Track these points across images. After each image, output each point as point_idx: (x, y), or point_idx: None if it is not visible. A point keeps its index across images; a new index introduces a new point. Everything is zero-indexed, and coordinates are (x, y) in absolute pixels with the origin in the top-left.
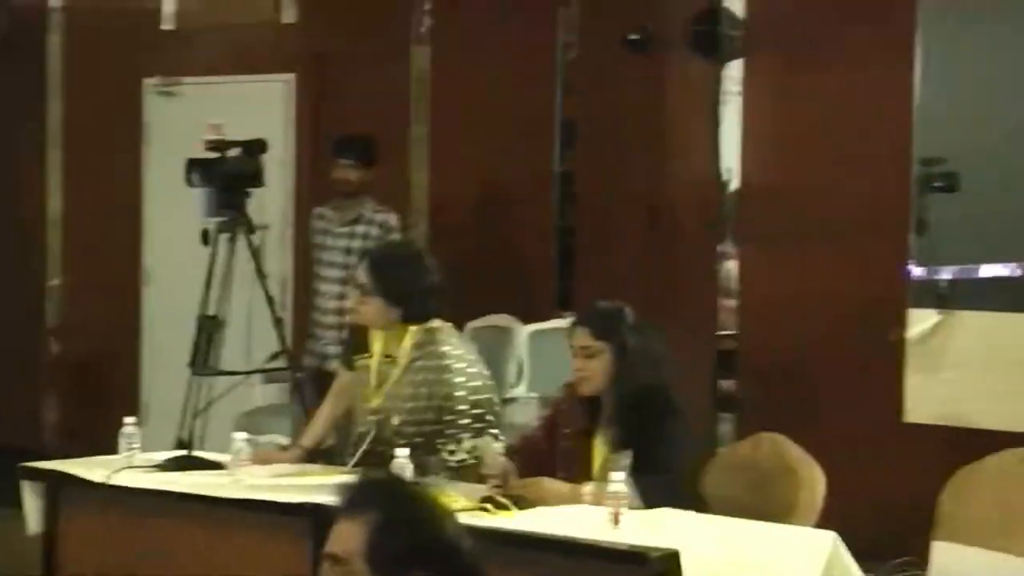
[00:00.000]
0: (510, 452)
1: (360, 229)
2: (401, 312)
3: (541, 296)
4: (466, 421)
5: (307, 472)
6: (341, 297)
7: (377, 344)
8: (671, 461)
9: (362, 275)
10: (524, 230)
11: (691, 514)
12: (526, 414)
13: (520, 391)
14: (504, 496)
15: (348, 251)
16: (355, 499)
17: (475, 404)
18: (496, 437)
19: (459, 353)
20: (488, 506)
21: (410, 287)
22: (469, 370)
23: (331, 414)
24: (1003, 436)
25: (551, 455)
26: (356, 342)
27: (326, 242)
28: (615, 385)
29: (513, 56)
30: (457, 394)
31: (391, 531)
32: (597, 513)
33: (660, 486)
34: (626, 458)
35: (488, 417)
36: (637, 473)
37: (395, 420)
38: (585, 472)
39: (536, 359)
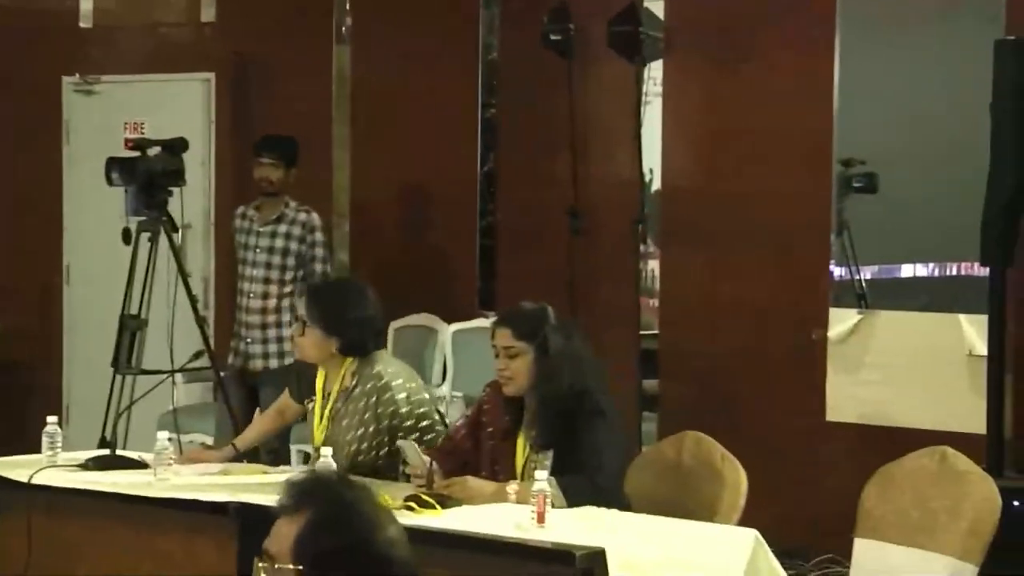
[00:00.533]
0: (434, 451)
1: (282, 228)
2: (339, 343)
3: (464, 295)
4: (416, 435)
5: (232, 471)
6: (265, 296)
7: (319, 382)
8: (595, 461)
9: (301, 307)
10: (446, 230)
11: (616, 512)
12: (450, 413)
13: (444, 390)
14: (429, 495)
15: (271, 250)
16: (295, 497)
17: (420, 417)
18: (419, 439)
19: (393, 370)
20: (413, 505)
21: (347, 317)
22: (408, 384)
23: (266, 429)
24: (923, 434)
25: (476, 454)
26: (307, 381)
27: (248, 241)
28: (538, 385)
29: (435, 56)
30: (403, 410)
31: (321, 531)
32: (522, 512)
33: (584, 485)
34: (549, 458)
35: (437, 427)
36: (561, 472)
37: (343, 455)
38: (510, 471)
39: (459, 358)
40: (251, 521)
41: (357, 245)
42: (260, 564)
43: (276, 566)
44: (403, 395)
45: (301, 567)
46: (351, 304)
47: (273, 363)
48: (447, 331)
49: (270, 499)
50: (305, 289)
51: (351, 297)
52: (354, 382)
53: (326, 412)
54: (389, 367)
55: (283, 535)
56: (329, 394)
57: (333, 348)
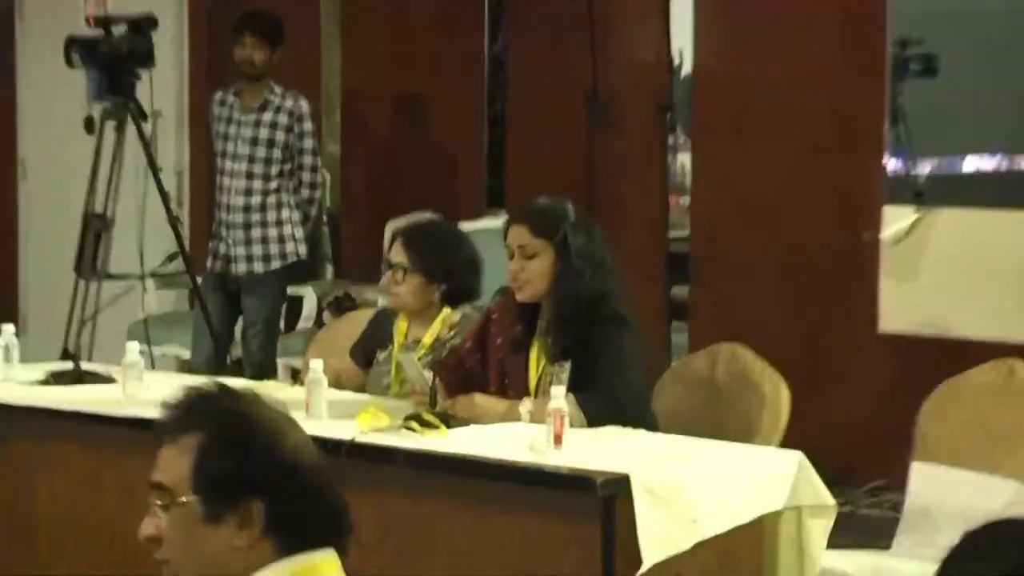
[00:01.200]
0: (437, 366)
1: (267, 116)
2: (443, 290)
3: (469, 193)
4: None
5: None
6: (248, 192)
7: (399, 334)
8: (618, 375)
9: (396, 254)
10: (450, 120)
11: (642, 433)
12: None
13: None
14: (432, 414)
15: (255, 141)
16: (178, 420)
17: None
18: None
19: None
20: (414, 425)
21: (453, 261)
22: None
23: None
24: (987, 347)
25: (484, 368)
26: (379, 335)
27: (229, 131)
28: (556, 289)
29: None
30: None
31: (218, 454)
32: (537, 432)
33: (606, 402)
34: (567, 371)
35: None
36: (580, 388)
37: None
38: (522, 387)
39: None
40: None
41: (349, 136)
42: (157, 502)
43: (178, 499)
44: None
45: (204, 496)
46: (455, 247)
47: (258, 267)
48: None
49: None
50: (400, 235)
51: (454, 240)
52: (452, 335)
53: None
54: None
55: (175, 464)
56: (413, 344)
57: (435, 296)
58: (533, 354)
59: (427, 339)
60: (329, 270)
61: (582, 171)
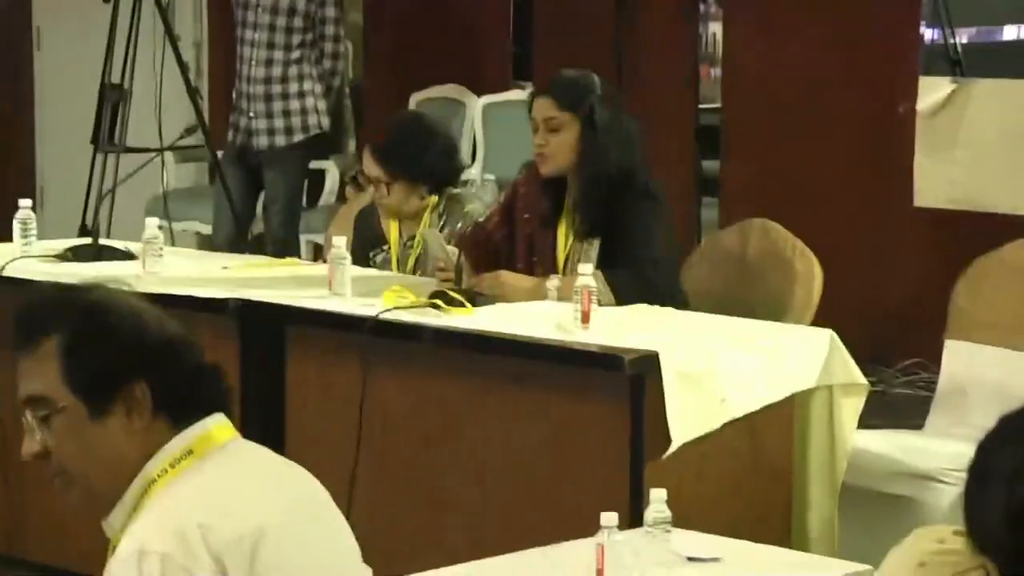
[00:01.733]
0: (461, 242)
1: None
2: (429, 184)
3: (495, 65)
4: None
5: (233, 264)
6: (269, 63)
7: (393, 232)
8: (648, 252)
9: (371, 168)
10: None
11: (671, 311)
12: (481, 199)
13: (474, 172)
14: (457, 291)
15: (275, 9)
16: (30, 329)
17: None
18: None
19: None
20: (439, 303)
21: (430, 157)
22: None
23: None
24: (1022, 221)
25: (510, 244)
26: (365, 235)
27: None
28: (583, 163)
29: None
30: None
31: (85, 349)
32: (564, 310)
33: (635, 279)
34: (595, 248)
35: None
36: (608, 265)
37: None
38: (549, 263)
39: (491, 135)
40: (253, 319)
41: (373, 5)
42: (34, 415)
43: (58, 406)
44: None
45: (84, 395)
46: (426, 141)
47: (280, 140)
48: (476, 104)
49: (277, 295)
50: (369, 149)
51: (423, 135)
52: (441, 223)
53: (410, 258)
54: (481, 207)
55: (41, 372)
56: (409, 241)
57: (423, 192)
58: (561, 231)
59: (417, 234)
60: (351, 144)
61: (609, 42)
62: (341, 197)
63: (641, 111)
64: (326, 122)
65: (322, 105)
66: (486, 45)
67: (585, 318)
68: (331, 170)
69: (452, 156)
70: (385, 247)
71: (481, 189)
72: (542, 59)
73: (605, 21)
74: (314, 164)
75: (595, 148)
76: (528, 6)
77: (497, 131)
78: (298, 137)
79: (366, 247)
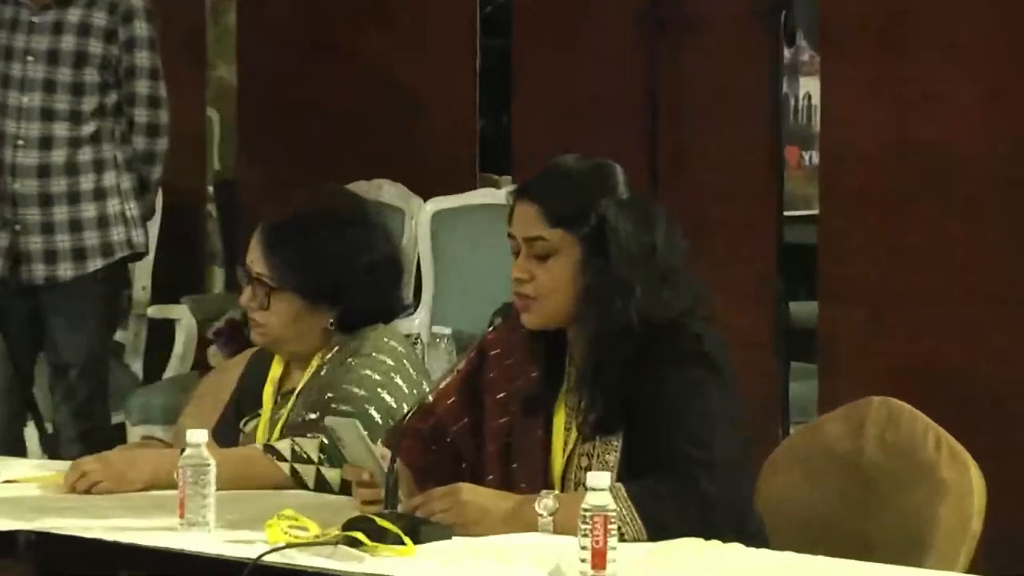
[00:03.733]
0: (399, 436)
1: (73, 16)
2: (337, 313)
3: (452, 147)
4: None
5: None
6: (46, 144)
7: (269, 385)
8: (700, 451)
9: (255, 260)
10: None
11: (738, 548)
12: (430, 365)
13: (416, 322)
14: (390, 519)
15: (54, 56)
16: None
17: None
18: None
19: (390, 352)
20: (359, 536)
21: (350, 268)
22: (396, 379)
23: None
24: None
25: (473, 441)
26: (249, 390)
27: (14, 43)
28: (589, 310)
29: None
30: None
31: None
32: (562, 548)
33: (678, 496)
34: (615, 447)
35: None
36: (635, 473)
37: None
38: (539, 472)
39: (445, 263)
40: (59, 563)
41: (249, 46)
42: None
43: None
44: (379, 381)
45: None
46: (352, 238)
47: (65, 271)
48: (421, 212)
49: (98, 525)
50: (260, 230)
51: (348, 223)
52: (323, 366)
53: (278, 423)
54: (388, 345)
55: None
56: (289, 394)
57: (326, 323)
58: (558, 418)
59: (300, 385)
60: (218, 277)
61: (636, 107)
62: (201, 364)
63: (689, 223)
64: (140, 237)
65: (134, 209)
66: (439, 115)
67: (598, 561)
68: (184, 319)
69: (391, 276)
70: (256, 413)
71: (430, 348)
72: (526, 139)
73: (630, 74)
74: (159, 311)
75: (608, 285)
76: (503, 50)
77: (455, 255)
78: (95, 263)
79: (246, 408)
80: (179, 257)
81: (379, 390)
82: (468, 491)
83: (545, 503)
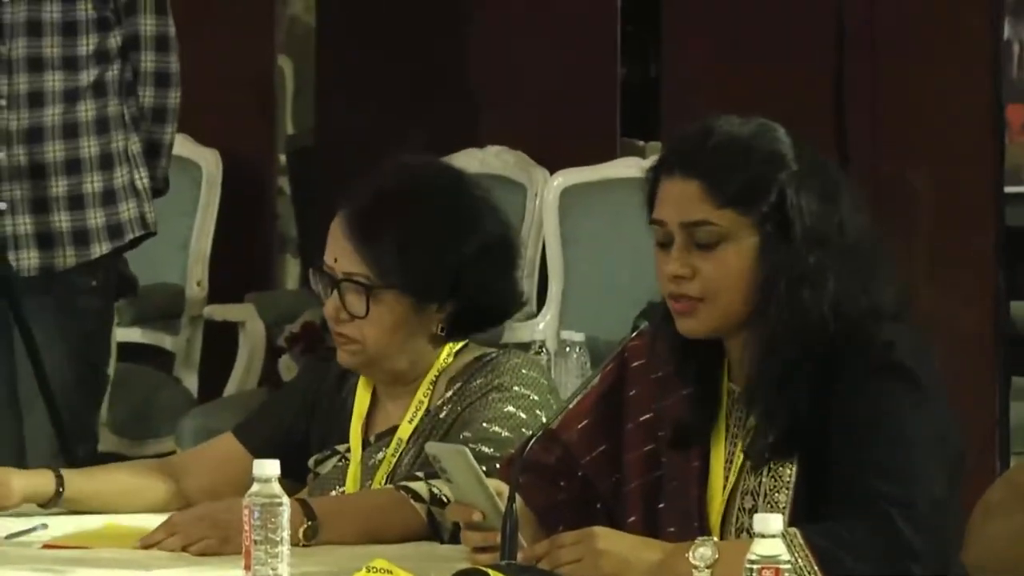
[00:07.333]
0: (512, 468)
1: None
2: (449, 312)
3: (588, 104)
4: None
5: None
6: (37, 101)
7: (357, 413)
8: (901, 488)
9: (341, 254)
10: None
11: None
12: (558, 380)
13: (541, 326)
14: (509, 571)
15: (34, 27)
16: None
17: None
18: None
19: (526, 378)
20: None
21: (462, 256)
22: (537, 408)
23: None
24: None
25: (613, 476)
26: (305, 411)
27: None
28: (767, 313)
29: None
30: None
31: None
32: None
33: (871, 545)
34: (790, 482)
35: None
36: (815, 514)
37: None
38: (692, 515)
39: (575, 251)
40: None
41: None
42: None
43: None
44: (524, 420)
45: None
46: (456, 213)
47: (62, 258)
48: (547, 188)
49: None
50: (345, 212)
51: (461, 199)
52: (442, 407)
53: (380, 469)
54: (530, 377)
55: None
56: (383, 439)
57: (435, 328)
58: (716, 448)
59: (405, 424)
60: (292, 269)
61: (823, 47)
62: (271, 378)
63: (882, 194)
64: (153, 215)
65: (145, 179)
66: (568, 62)
67: None
68: (249, 322)
69: (510, 265)
70: (343, 446)
71: (558, 358)
72: (679, 94)
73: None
74: (216, 311)
75: (795, 274)
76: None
77: (589, 242)
78: (101, 248)
79: (309, 441)
80: (243, 245)
81: (525, 432)
82: (604, 538)
83: (701, 552)
